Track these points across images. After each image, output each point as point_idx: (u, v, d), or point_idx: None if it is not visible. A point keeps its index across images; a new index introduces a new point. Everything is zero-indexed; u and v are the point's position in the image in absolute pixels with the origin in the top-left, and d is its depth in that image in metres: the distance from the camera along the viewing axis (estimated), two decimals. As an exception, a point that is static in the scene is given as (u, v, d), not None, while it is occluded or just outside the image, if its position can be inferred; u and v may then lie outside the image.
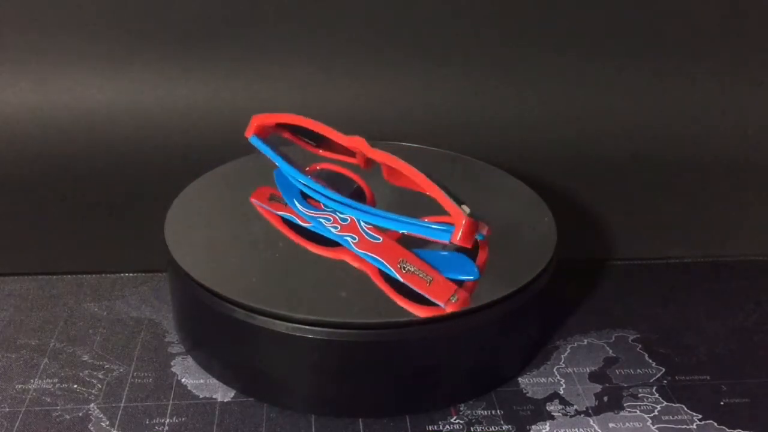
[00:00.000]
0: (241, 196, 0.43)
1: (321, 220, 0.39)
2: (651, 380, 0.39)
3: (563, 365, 0.39)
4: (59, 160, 0.58)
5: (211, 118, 0.62)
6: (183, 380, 0.38)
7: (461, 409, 0.36)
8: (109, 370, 0.38)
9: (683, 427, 0.36)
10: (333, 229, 0.39)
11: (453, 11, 0.64)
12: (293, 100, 0.63)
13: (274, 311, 0.34)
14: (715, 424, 0.36)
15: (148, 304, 0.43)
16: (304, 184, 0.40)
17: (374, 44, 0.64)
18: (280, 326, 0.34)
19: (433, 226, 0.35)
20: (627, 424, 0.36)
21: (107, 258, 0.47)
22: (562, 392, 0.38)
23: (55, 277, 0.45)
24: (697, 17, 0.66)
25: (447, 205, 0.34)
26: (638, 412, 0.37)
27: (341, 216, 0.39)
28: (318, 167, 0.44)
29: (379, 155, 0.37)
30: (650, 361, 0.40)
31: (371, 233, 0.38)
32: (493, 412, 0.36)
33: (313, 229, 0.39)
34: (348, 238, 0.38)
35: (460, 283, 0.35)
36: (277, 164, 0.41)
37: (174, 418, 0.35)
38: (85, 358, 0.39)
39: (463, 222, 0.34)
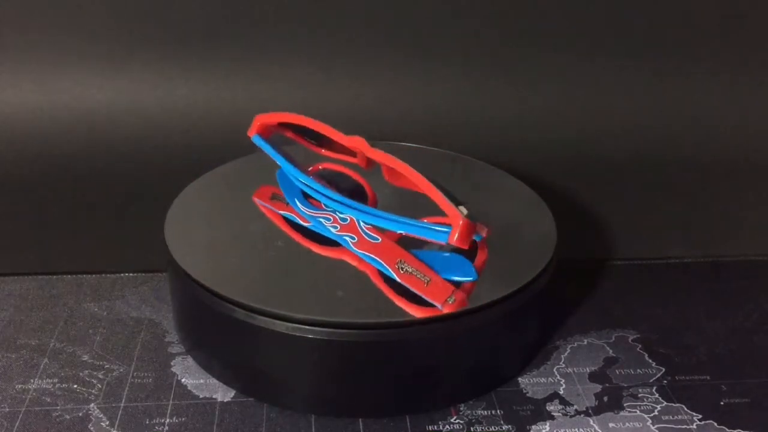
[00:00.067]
0: (241, 196, 0.43)
1: (321, 219, 0.39)
2: (651, 380, 0.39)
3: (563, 365, 0.39)
4: (59, 160, 0.58)
5: (211, 118, 0.62)
6: (183, 380, 0.38)
7: (461, 409, 0.36)
8: (109, 370, 0.38)
9: (683, 427, 0.36)
10: (332, 229, 0.39)
11: (453, 11, 0.64)
12: (293, 100, 0.63)
13: (274, 311, 0.34)
14: (715, 424, 0.36)
15: (148, 304, 0.43)
16: (304, 183, 0.40)
17: (374, 44, 0.64)
18: (280, 326, 0.34)
19: (432, 227, 0.35)
20: (627, 424, 0.36)
21: (107, 258, 0.47)
22: (562, 392, 0.38)
23: (55, 277, 0.45)
24: (697, 17, 0.66)
25: (444, 206, 0.34)
26: (638, 412, 0.37)
27: (341, 216, 0.39)
28: (321, 167, 0.44)
29: (378, 155, 0.37)
30: (650, 361, 0.40)
31: (370, 233, 0.38)
32: (493, 412, 0.36)
33: (313, 229, 0.39)
34: (347, 238, 0.38)
35: (457, 284, 0.35)
36: (278, 163, 0.41)
37: (174, 418, 0.35)
38: (85, 358, 0.39)
39: (460, 223, 0.34)
